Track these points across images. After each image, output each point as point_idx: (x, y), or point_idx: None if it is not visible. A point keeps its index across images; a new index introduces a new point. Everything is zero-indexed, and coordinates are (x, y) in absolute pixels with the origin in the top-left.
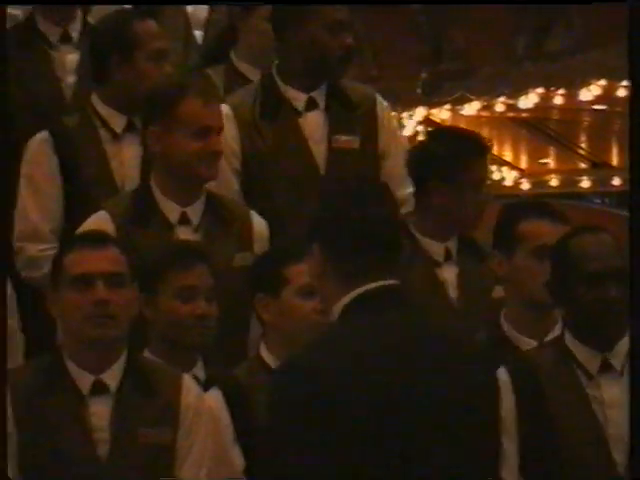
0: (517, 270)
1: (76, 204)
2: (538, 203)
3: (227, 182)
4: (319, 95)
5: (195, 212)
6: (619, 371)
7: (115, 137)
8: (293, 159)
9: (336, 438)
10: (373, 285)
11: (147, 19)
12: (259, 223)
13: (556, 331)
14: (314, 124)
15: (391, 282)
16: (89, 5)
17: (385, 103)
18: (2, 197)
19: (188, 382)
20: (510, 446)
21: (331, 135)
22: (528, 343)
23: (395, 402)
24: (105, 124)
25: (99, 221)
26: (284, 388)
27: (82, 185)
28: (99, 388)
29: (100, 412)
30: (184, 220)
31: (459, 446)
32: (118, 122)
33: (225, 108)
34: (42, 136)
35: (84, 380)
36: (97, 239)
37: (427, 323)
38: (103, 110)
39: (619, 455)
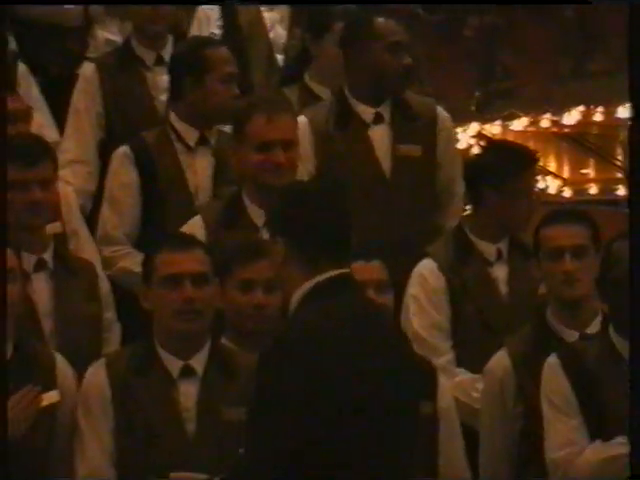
0: (543, 271)
1: (155, 209)
2: (555, 210)
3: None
4: (385, 109)
5: None
6: None
7: (189, 149)
8: (362, 165)
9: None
10: (333, 273)
11: (219, 46)
12: (441, 112)
13: (596, 325)
14: (380, 135)
15: (345, 271)
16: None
17: (445, 114)
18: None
19: None
20: (572, 422)
21: (395, 144)
22: (570, 334)
23: (347, 374)
24: (180, 138)
25: (193, 224)
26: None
27: (160, 192)
28: (187, 372)
29: (188, 393)
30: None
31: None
32: (192, 136)
33: (302, 119)
34: (124, 150)
35: (174, 365)
36: (185, 242)
37: (369, 305)
38: (178, 125)
39: None
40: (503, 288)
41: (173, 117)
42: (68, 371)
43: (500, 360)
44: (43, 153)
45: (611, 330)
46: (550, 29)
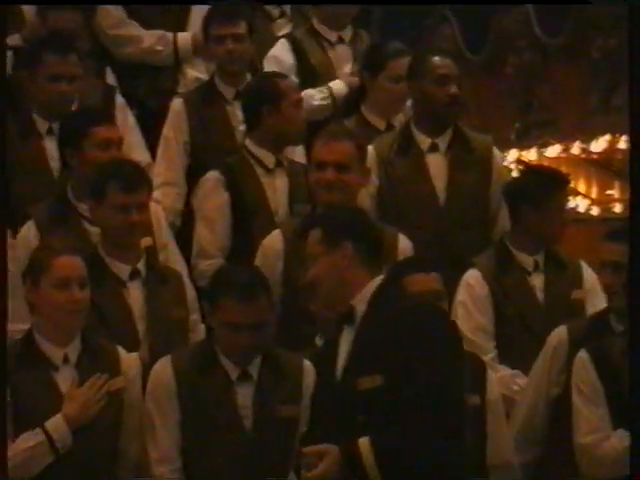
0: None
1: (243, 226)
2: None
3: (363, 204)
4: (442, 140)
5: None
6: None
7: (268, 171)
8: (418, 189)
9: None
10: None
11: (288, 77)
12: (404, 241)
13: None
14: (436, 163)
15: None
16: (91, 5)
17: (499, 152)
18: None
19: (308, 366)
20: (599, 410)
21: (451, 172)
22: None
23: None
24: (259, 162)
25: (273, 237)
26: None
27: (246, 211)
28: (244, 376)
29: (244, 394)
30: None
31: None
32: (269, 159)
33: (369, 148)
34: (216, 175)
35: (233, 370)
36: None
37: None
38: (256, 150)
39: None
40: (540, 295)
41: (250, 143)
42: (131, 361)
43: (559, 331)
44: (142, 181)
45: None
46: (581, 68)
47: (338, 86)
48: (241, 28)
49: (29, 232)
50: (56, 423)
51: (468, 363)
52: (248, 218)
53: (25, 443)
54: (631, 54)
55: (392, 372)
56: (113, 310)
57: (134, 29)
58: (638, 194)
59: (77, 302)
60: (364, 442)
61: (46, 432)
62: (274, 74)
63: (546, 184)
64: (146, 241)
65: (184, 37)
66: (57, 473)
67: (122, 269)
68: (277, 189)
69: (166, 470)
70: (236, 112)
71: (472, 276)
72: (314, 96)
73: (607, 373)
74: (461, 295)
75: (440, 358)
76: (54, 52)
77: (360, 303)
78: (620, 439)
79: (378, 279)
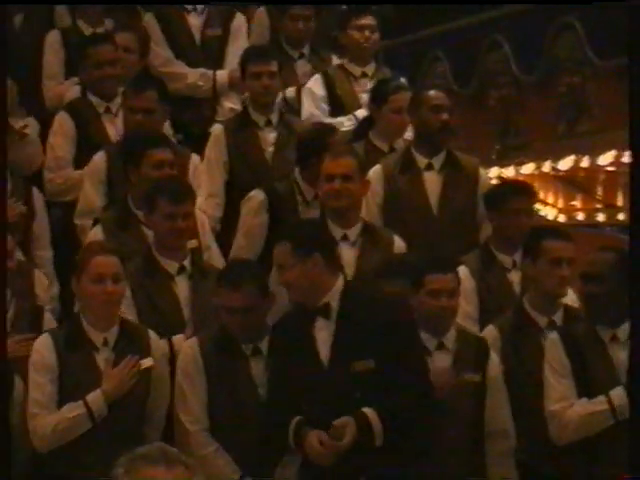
0: (540, 272)
1: (274, 240)
2: (554, 228)
3: (371, 212)
4: (437, 160)
5: (353, 233)
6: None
7: (307, 204)
8: (416, 201)
9: None
10: None
11: (335, 133)
12: (399, 242)
13: (560, 314)
14: (431, 179)
15: None
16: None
17: (483, 171)
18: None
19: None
20: (566, 382)
21: (443, 187)
22: (543, 320)
23: None
24: (302, 193)
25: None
26: None
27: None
28: (256, 351)
29: (257, 366)
30: (345, 238)
31: None
32: (310, 194)
33: (377, 167)
34: (260, 196)
35: (246, 347)
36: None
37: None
38: (302, 184)
39: None
40: (517, 289)
41: (297, 175)
42: (159, 343)
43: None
44: (188, 194)
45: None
46: (550, 100)
47: (363, 114)
48: (273, 66)
49: (96, 234)
50: (95, 397)
51: (474, 344)
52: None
53: (69, 413)
54: (631, 54)
55: (381, 355)
56: (163, 299)
57: (180, 67)
58: (638, 194)
59: (110, 294)
60: (371, 413)
61: (86, 404)
62: (327, 130)
63: (504, 192)
64: (192, 243)
65: (221, 74)
66: (95, 435)
67: (171, 265)
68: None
69: (197, 429)
70: (266, 136)
71: (461, 272)
72: (344, 123)
73: (573, 351)
74: None
75: (412, 340)
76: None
77: (333, 300)
78: (583, 406)
79: (341, 278)
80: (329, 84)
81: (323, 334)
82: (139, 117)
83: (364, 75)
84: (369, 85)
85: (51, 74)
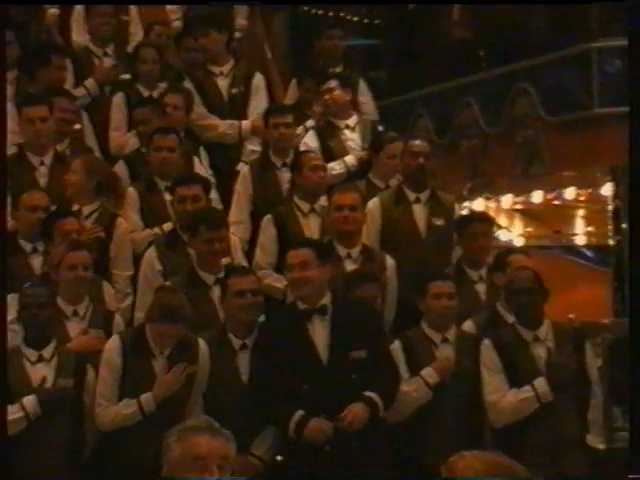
0: (508, 281)
1: (285, 249)
2: (515, 248)
3: (371, 235)
4: (423, 195)
5: (355, 252)
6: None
7: (304, 215)
8: (407, 228)
9: None
10: None
11: (310, 152)
12: (390, 260)
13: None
14: (419, 210)
15: None
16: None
17: (458, 205)
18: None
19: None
20: (499, 377)
21: (428, 217)
22: (511, 318)
23: None
24: (300, 209)
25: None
26: None
27: (288, 240)
28: (244, 346)
29: (243, 358)
30: (349, 255)
31: None
32: (306, 207)
33: (376, 199)
34: (269, 217)
35: (236, 342)
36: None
37: None
38: (298, 201)
39: None
40: (483, 297)
41: (295, 197)
42: (205, 349)
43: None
44: (221, 222)
45: (517, 324)
46: (510, 148)
47: (349, 159)
48: (289, 119)
49: (151, 254)
50: (147, 398)
51: (469, 338)
52: (288, 244)
53: (125, 409)
54: (631, 54)
55: (369, 346)
56: (203, 305)
57: (213, 120)
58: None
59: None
60: (375, 396)
61: (139, 403)
62: (302, 152)
63: (467, 220)
64: (226, 260)
65: (246, 124)
66: (141, 425)
67: (209, 278)
68: (311, 227)
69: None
70: (283, 175)
71: None
72: (334, 167)
73: (503, 352)
74: None
75: (385, 334)
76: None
77: (328, 302)
78: (514, 395)
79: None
80: (321, 137)
81: (319, 329)
82: (164, 154)
83: (347, 127)
84: (351, 135)
85: (116, 127)
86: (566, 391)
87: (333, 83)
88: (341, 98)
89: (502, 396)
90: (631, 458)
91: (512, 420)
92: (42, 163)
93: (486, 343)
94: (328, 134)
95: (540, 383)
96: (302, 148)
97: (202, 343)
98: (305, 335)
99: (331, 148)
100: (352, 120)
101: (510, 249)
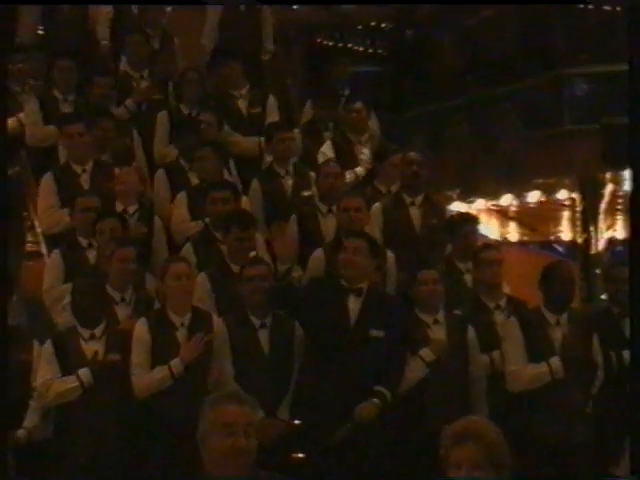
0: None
1: (307, 244)
2: (490, 245)
3: (374, 234)
4: (418, 200)
5: None
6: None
7: (322, 214)
8: (405, 227)
9: None
10: None
11: (328, 162)
12: (390, 254)
13: (504, 300)
14: (414, 213)
15: None
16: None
17: (447, 208)
18: (2, 203)
19: (295, 323)
20: (519, 350)
21: (423, 218)
22: (491, 304)
23: None
24: (319, 209)
25: (318, 256)
26: None
27: (309, 236)
28: (263, 325)
29: (264, 336)
30: None
31: None
32: (324, 208)
33: (378, 203)
34: (293, 217)
35: (256, 321)
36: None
37: None
38: (319, 204)
39: None
40: (470, 286)
41: (317, 200)
42: (219, 322)
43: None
44: (251, 222)
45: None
46: (493, 160)
47: (359, 170)
48: (293, 134)
49: (188, 250)
50: (176, 363)
51: (457, 320)
52: (311, 241)
53: (157, 374)
54: (631, 54)
55: (387, 326)
56: (232, 292)
57: (236, 137)
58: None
59: (186, 288)
60: (385, 391)
61: (170, 368)
62: (323, 162)
63: (455, 220)
64: (252, 254)
65: (263, 140)
66: (173, 391)
67: (237, 269)
68: (329, 225)
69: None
70: (287, 182)
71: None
72: (347, 176)
73: (526, 330)
74: None
75: (402, 322)
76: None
77: (365, 287)
78: (532, 367)
79: None
80: (337, 147)
81: (353, 307)
82: (202, 163)
83: (359, 142)
84: (363, 149)
85: (160, 140)
86: (574, 371)
87: (359, 105)
88: (365, 118)
89: (523, 367)
90: (631, 458)
91: (526, 388)
92: (84, 171)
93: (512, 320)
94: (344, 146)
95: (554, 361)
96: (320, 157)
97: (215, 317)
98: (344, 308)
99: (346, 159)
100: (365, 137)
101: (484, 245)
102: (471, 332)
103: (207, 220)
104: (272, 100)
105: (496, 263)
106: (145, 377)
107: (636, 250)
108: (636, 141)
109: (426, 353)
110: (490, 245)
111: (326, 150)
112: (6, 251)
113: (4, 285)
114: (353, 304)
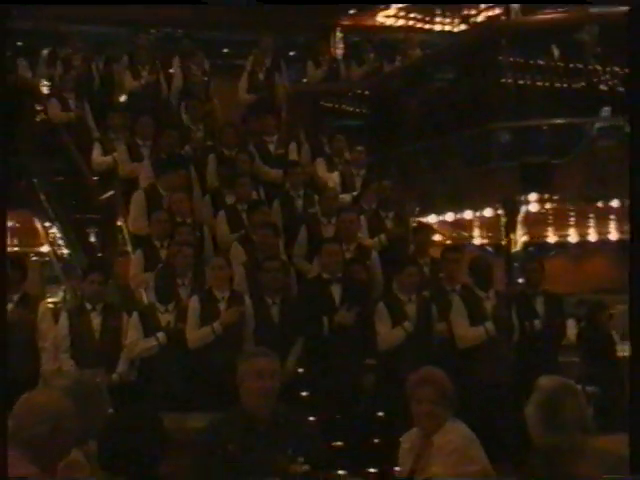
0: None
1: (313, 245)
2: (452, 247)
3: (363, 239)
4: (390, 214)
5: (352, 247)
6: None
7: (323, 225)
8: (381, 234)
9: None
10: None
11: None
12: (374, 253)
13: (459, 286)
14: (388, 223)
15: None
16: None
17: (411, 220)
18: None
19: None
20: (464, 320)
21: (393, 227)
22: (451, 287)
23: None
24: (320, 221)
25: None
26: None
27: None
28: (274, 302)
29: (276, 311)
30: (348, 250)
31: None
32: (325, 220)
33: (362, 216)
34: (303, 227)
35: (270, 300)
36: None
37: None
38: (321, 218)
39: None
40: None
41: (319, 214)
42: (248, 300)
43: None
44: (277, 229)
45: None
46: (444, 187)
47: (352, 194)
48: (302, 169)
49: (237, 247)
50: (217, 325)
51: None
52: (316, 244)
53: (205, 330)
54: (631, 54)
55: (363, 306)
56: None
57: (267, 170)
58: (638, 198)
59: (224, 274)
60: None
61: (212, 328)
62: (326, 191)
63: (414, 229)
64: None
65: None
66: (219, 346)
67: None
68: (329, 232)
69: None
70: (298, 202)
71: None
72: (344, 197)
73: (468, 305)
74: None
75: (369, 301)
76: None
77: (340, 275)
78: (473, 329)
79: None
80: (343, 177)
81: (336, 292)
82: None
83: (358, 174)
84: (357, 178)
85: (209, 174)
86: (500, 331)
87: (360, 148)
88: (363, 156)
89: (466, 330)
90: (631, 458)
91: (471, 345)
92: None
93: (457, 299)
94: (348, 177)
95: (489, 325)
96: (330, 182)
97: (245, 296)
98: (330, 294)
99: (347, 184)
100: (362, 171)
101: (448, 247)
102: (434, 308)
103: (247, 227)
104: (293, 145)
105: (456, 261)
106: (196, 332)
107: (636, 250)
108: (636, 141)
109: (407, 325)
110: (453, 247)
111: (335, 177)
112: (6, 251)
113: (4, 285)
114: (335, 290)
